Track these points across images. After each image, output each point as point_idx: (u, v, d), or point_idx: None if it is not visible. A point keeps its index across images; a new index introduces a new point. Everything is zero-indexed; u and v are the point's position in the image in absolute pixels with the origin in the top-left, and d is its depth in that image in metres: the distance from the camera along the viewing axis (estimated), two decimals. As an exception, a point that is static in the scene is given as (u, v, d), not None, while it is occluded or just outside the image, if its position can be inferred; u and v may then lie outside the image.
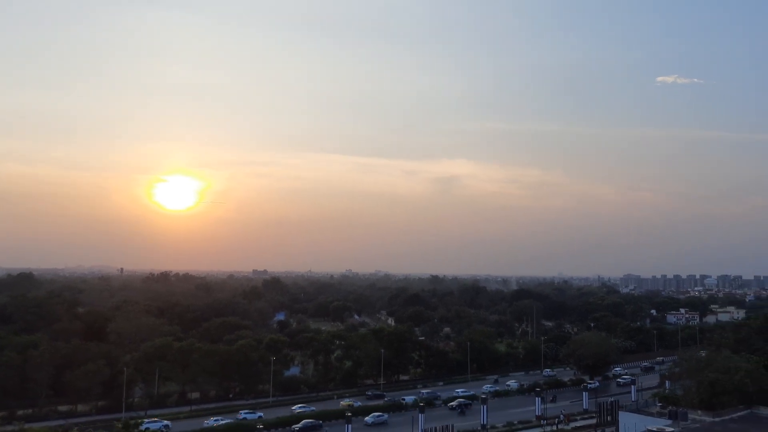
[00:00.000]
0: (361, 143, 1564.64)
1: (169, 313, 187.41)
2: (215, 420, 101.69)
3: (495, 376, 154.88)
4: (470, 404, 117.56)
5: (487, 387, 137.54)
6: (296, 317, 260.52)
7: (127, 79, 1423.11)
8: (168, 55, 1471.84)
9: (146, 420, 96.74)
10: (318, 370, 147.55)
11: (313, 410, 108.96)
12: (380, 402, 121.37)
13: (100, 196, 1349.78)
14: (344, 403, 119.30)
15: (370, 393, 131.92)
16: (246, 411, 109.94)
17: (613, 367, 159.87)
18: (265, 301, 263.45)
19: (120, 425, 76.09)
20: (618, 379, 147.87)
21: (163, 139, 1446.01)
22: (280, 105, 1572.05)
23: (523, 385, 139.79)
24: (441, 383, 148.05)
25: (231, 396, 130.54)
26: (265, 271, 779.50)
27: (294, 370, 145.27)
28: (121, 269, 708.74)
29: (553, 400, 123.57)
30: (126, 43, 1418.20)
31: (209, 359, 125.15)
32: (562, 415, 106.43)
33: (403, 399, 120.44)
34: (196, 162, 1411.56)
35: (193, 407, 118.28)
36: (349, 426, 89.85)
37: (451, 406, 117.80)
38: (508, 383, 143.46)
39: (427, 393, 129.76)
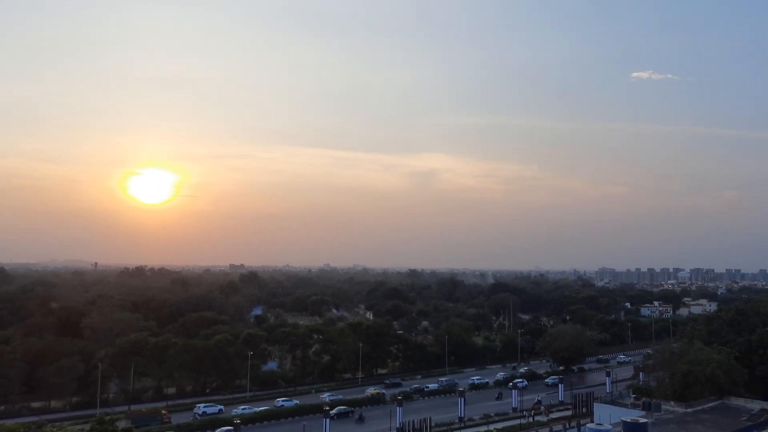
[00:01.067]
0: (339, 137, 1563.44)
1: (144, 308, 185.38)
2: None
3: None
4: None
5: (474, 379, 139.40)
6: (274, 312, 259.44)
7: (99, 70, 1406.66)
8: (142, 46, 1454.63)
9: (202, 405, 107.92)
10: (296, 364, 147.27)
11: (340, 398, 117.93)
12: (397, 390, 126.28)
13: (72, 189, 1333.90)
14: (372, 391, 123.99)
15: (388, 382, 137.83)
16: (283, 399, 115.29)
17: (589, 359, 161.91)
18: (242, 296, 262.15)
19: (95, 421, 75.27)
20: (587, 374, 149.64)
21: (138, 132, 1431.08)
22: (257, 98, 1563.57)
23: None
24: (419, 376, 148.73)
25: (208, 391, 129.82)
26: (242, 266, 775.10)
27: (271, 365, 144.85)
28: (95, 264, 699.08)
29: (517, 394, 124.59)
30: (97, 34, 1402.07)
31: (185, 354, 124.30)
32: (542, 407, 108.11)
33: (427, 387, 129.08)
34: (171, 155, 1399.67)
35: (170, 403, 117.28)
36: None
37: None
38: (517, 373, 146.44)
39: (446, 380, 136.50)
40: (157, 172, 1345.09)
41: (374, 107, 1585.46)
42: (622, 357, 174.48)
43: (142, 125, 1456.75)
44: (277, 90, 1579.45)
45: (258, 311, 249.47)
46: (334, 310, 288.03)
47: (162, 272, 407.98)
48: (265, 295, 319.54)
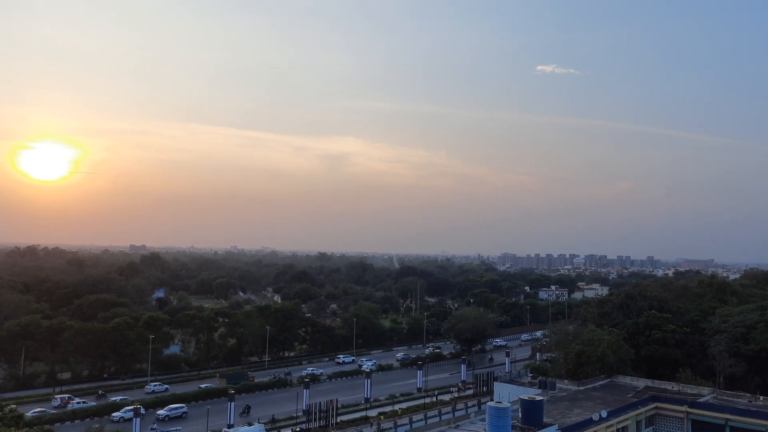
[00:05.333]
0: (248, 117, 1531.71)
1: (36, 290, 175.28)
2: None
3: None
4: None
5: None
6: (177, 294, 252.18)
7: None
8: (37, 13, 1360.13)
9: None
10: (200, 348, 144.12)
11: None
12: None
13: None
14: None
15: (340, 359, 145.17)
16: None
17: (492, 341, 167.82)
18: (143, 278, 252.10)
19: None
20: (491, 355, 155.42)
21: (30, 103, 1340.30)
22: (162, 73, 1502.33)
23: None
24: (326, 359, 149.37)
25: (105, 376, 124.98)
26: (143, 246, 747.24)
27: (174, 349, 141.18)
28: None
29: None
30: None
31: (81, 338, 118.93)
32: (460, 383, 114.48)
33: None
34: (68, 129, 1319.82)
35: (64, 388, 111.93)
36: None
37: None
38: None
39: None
40: (53, 146, 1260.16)
41: (285, 88, 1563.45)
42: (524, 337, 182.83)
43: (35, 96, 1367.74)
44: (183, 66, 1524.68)
45: (160, 294, 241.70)
46: (241, 293, 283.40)
47: (56, 252, 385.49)
48: (168, 277, 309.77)
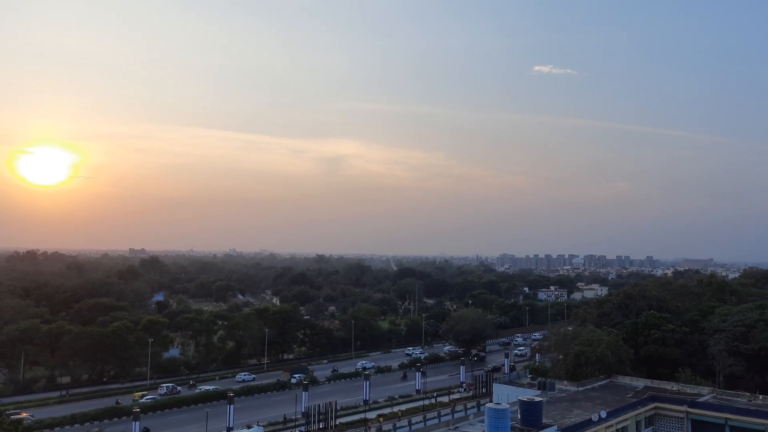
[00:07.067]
0: (246, 120, 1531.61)
1: (36, 294, 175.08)
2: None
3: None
4: None
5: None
6: (176, 298, 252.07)
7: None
8: (35, 17, 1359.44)
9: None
10: (199, 351, 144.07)
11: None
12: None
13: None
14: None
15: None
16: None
17: (489, 342, 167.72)
18: (142, 282, 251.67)
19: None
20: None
21: (28, 108, 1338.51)
22: (161, 76, 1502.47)
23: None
24: (325, 361, 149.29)
25: (105, 379, 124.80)
26: (142, 250, 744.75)
27: (174, 352, 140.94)
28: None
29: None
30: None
31: (81, 342, 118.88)
32: (464, 384, 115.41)
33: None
34: (67, 133, 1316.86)
35: (63, 392, 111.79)
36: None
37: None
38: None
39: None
40: (52, 150, 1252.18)
41: (282, 91, 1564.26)
42: (519, 339, 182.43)
43: (34, 100, 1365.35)
44: (182, 69, 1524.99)
45: (159, 297, 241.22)
46: (240, 296, 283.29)
47: (56, 256, 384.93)
48: (167, 280, 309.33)
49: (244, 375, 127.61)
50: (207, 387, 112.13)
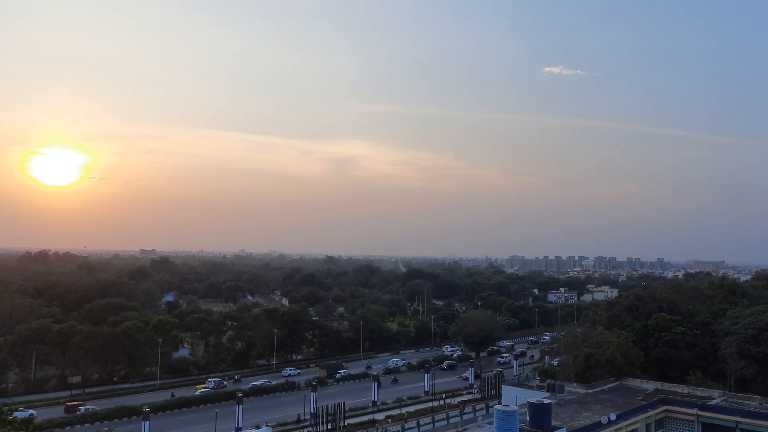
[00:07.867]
0: (256, 121, 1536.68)
1: (47, 294, 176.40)
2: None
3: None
4: None
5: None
6: (186, 298, 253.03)
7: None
8: (46, 19, 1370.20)
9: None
10: (209, 351, 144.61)
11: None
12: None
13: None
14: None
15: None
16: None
17: (499, 343, 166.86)
18: (153, 282, 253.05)
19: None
20: (498, 357, 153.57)
21: (40, 109, 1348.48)
22: (171, 78, 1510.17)
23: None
24: (334, 362, 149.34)
25: (115, 379, 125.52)
26: (153, 251, 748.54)
27: (183, 352, 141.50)
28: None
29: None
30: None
31: (92, 342, 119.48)
32: (476, 385, 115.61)
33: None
34: (79, 135, 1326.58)
35: (74, 392, 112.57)
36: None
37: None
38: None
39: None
40: (63, 152, 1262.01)
41: (291, 92, 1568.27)
42: (531, 338, 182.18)
43: (46, 102, 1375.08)
44: (192, 71, 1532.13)
45: (170, 297, 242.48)
46: (249, 297, 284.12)
47: (67, 257, 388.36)
48: (177, 281, 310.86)
49: (290, 370, 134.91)
50: (255, 382, 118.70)
